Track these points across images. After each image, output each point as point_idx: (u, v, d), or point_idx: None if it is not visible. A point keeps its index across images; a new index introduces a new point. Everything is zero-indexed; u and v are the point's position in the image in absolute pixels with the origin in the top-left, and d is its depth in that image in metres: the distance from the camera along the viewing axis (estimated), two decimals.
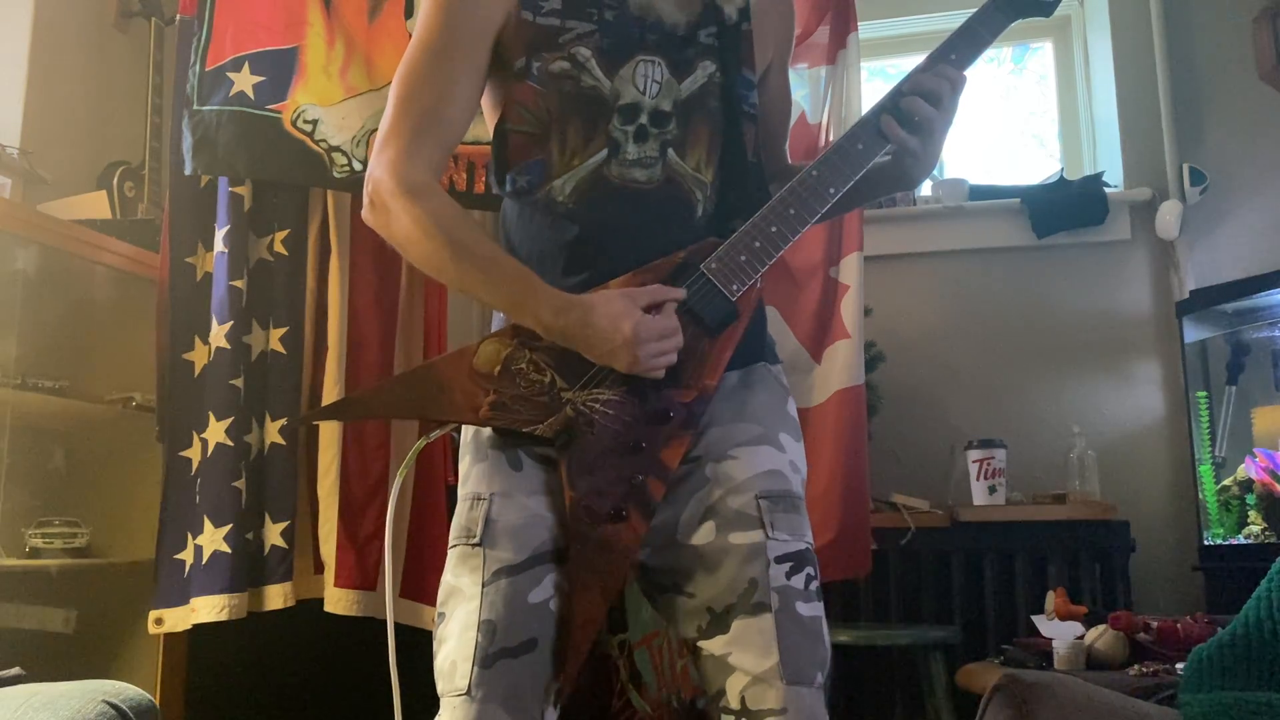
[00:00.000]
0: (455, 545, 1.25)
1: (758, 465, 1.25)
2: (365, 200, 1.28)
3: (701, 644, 1.22)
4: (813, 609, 1.21)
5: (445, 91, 1.29)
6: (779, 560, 1.20)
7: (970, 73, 1.33)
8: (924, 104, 1.28)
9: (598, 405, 1.22)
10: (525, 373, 1.23)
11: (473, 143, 2.17)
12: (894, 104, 1.29)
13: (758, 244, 1.25)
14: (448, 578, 1.24)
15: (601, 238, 1.27)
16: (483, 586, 1.19)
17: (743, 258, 1.25)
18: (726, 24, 1.34)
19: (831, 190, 1.27)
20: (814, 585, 1.23)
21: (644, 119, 1.28)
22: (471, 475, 1.27)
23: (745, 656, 1.17)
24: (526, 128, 1.30)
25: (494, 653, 1.17)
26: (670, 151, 1.29)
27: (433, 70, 1.29)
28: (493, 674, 1.16)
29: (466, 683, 1.16)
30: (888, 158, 1.34)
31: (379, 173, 1.27)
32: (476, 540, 1.22)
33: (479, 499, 1.25)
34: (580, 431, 1.22)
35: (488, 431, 1.27)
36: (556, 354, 1.23)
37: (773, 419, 1.30)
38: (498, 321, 1.33)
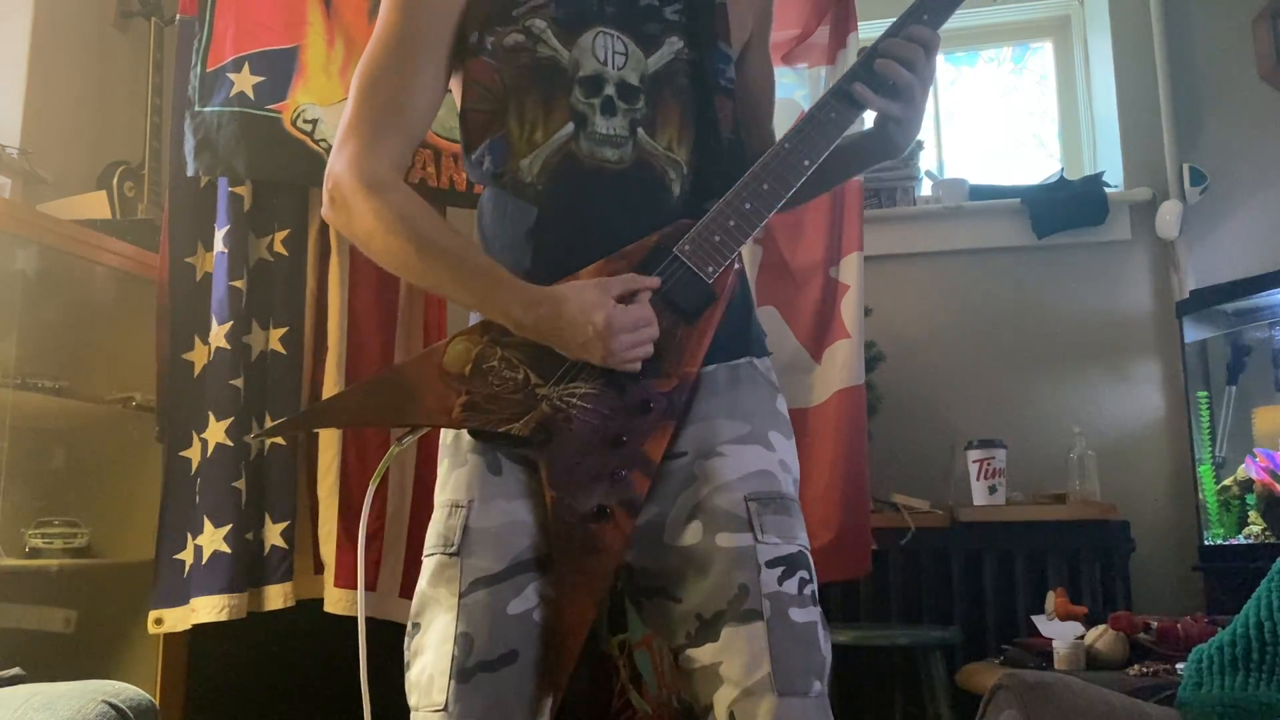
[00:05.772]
0: (432, 554, 1.21)
1: (746, 465, 1.21)
2: (325, 198, 1.24)
3: (690, 652, 1.17)
4: (807, 614, 1.16)
5: (406, 83, 1.26)
6: (770, 564, 1.15)
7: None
8: (898, 68, 1.23)
9: (575, 400, 1.18)
10: (498, 370, 1.19)
11: None
12: (867, 70, 1.24)
13: (732, 223, 1.21)
14: (423, 587, 1.21)
15: (572, 224, 1.23)
16: (460, 598, 1.15)
17: (717, 238, 1.21)
18: None
19: (806, 162, 1.23)
20: (809, 589, 1.17)
21: (610, 90, 1.24)
22: (449, 481, 1.23)
23: (734, 667, 1.12)
24: (483, 105, 1.26)
25: (471, 666, 1.13)
26: (640, 130, 1.24)
27: (393, 62, 1.26)
28: (470, 688, 1.13)
29: (444, 698, 1.13)
30: (864, 126, 1.30)
31: (339, 169, 1.23)
32: (454, 550, 1.18)
33: (457, 506, 1.20)
34: (558, 428, 1.17)
35: (466, 436, 1.22)
36: (529, 349, 1.19)
37: (762, 417, 1.25)
38: (475, 319, 1.28)
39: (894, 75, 1.23)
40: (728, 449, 1.21)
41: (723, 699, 1.13)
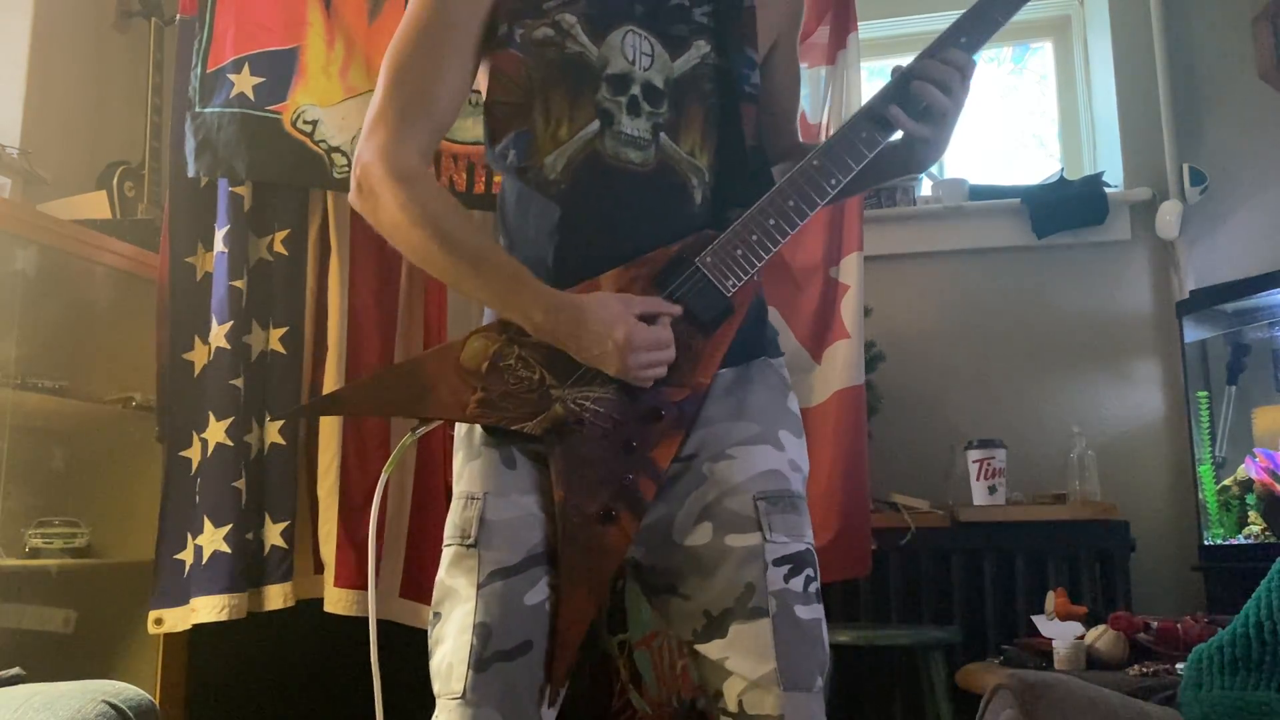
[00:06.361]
0: (450, 545, 1.22)
1: (755, 465, 1.22)
2: (353, 185, 1.26)
3: (698, 647, 1.19)
4: (812, 612, 1.18)
5: (434, 73, 1.26)
6: (777, 563, 1.17)
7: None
8: (934, 91, 1.22)
9: (587, 403, 1.19)
10: (514, 369, 1.20)
11: (472, 142, 2.17)
12: (901, 92, 1.24)
13: (755, 237, 1.22)
14: (443, 578, 1.22)
15: (595, 224, 1.24)
16: (478, 588, 1.17)
17: (739, 251, 1.21)
18: (725, 1, 1.30)
19: (833, 181, 1.23)
20: (813, 587, 1.20)
21: (636, 90, 1.24)
22: (465, 474, 1.25)
23: (742, 662, 1.15)
24: (509, 98, 1.26)
25: (489, 656, 1.15)
26: (663, 135, 1.25)
27: (422, 52, 1.26)
28: (488, 677, 1.15)
29: (462, 686, 1.15)
30: (895, 142, 1.29)
31: (367, 157, 1.24)
32: (471, 541, 1.19)
33: (473, 498, 1.22)
34: (569, 430, 1.19)
35: (479, 429, 1.24)
36: (546, 350, 1.20)
37: (772, 416, 1.26)
38: (489, 316, 1.29)
39: (929, 98, 1.22)
40: (737, 451, 1.23)
41: (732, 689, 1.16)
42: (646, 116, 1.25)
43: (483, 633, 1.16)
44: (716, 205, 1.27)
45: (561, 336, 1.18)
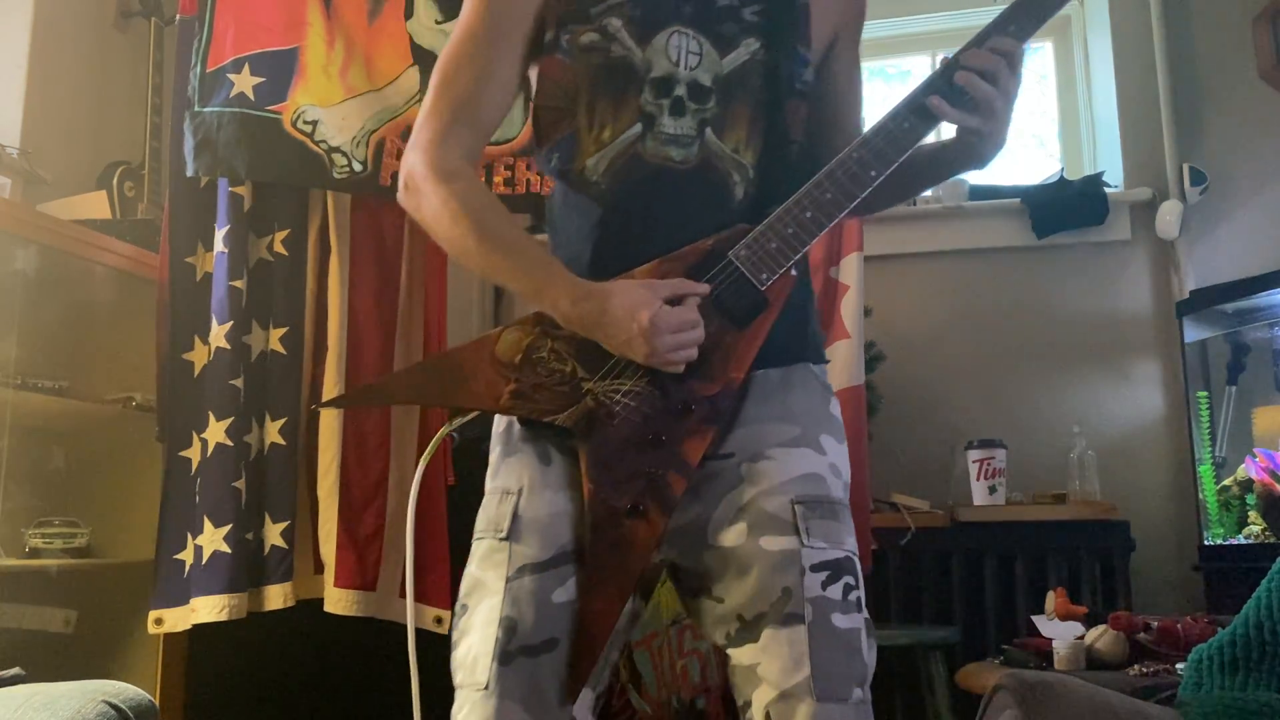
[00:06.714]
0: (482, 538, 1.23)
1: (795, 468, 1.20)
2: (400, 183, 1.29)
3: (731, 652, 1.18)
4: (851, 620, 1.16)
5: (482, 76, 1.29)
6: (815, 569, 1.15)
7: None
8: (980, 81, 1.18)
9: (618, 396, 1.19)
10: (546, 361, 1.21)
11: None
12: (946, 81, 1.19)
13: (790, 230, 1.20)
14: (472, 570, 1.23)
15: (633, 221, 1.24)
16: (506, 582, 1.17)
17: (774, 245, 1.20)
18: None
19: (873, 173, 1.20)
20: (854, 595, 1.18)
21: (681, 91, 1.24)
22: (502, 469, 1.26)
23: (773, 669, 1.13)
24: (555, 102, 1.27)
25: (513, 650, 1.15)
26: (708, 130, 1.24)
27: (471, 55, 1.29)
28: (511, 671, 1.15)
29: (486, 678, 1.15)
30: (938, 137, 1.27)
31: (413, 156, 1.27)
32: (504, 535, 1.20)
33: (508, 493, 1.23)
34: (600, 423, 1.18)
35: (518, 425, 1.25)
36: (578, 343, 1.20)
37: (813, 420, 1.25)
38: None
39: (974, 88, 1.19)
40: (776, 452, 1.21)
41: (760, 699, 1.14)
42: (692, 114, 1.24)
43: (508, 626, 1.16)
44: (759, 202, 1.26)
45: (588, 325, 1.18)
